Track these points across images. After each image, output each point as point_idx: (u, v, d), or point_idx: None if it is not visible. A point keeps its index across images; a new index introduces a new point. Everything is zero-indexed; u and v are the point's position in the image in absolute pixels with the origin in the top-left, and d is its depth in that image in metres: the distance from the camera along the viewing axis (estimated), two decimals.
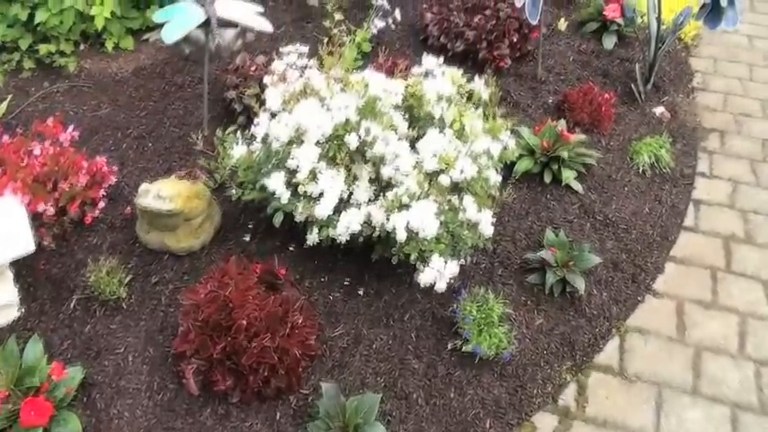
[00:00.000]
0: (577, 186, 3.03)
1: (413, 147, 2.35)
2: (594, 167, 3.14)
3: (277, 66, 2.42)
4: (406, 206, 2.23)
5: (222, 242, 2.71)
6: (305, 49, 2.55)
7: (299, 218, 2.39)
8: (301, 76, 2.47)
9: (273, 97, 2.35)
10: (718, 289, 2.73)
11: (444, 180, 2.26)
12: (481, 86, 2.53)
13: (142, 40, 3.82)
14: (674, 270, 2.80)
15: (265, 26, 2.98)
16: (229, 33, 3.69)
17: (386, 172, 2.29)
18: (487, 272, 2.67)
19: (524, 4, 3.26)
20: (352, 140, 2.30)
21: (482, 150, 2.33)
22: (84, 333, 2.38)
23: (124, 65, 3.71)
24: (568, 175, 3.00)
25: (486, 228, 2.29)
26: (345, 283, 2.58)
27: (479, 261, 2.70)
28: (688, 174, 3.27)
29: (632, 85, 3.58)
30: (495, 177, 2.44)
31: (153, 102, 3.44)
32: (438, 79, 2.48)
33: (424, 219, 2.19)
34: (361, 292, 2.55)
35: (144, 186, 2.54)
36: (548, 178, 3.02)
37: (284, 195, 2.33)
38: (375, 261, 2.47)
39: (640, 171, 3.20)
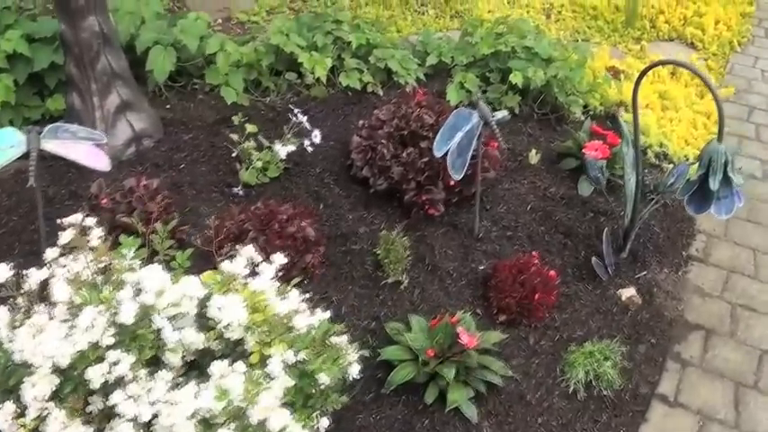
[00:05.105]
0: (471, 412, 2.27)
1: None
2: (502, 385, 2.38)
3: (33, 276, 1.85)
4: None
5: None
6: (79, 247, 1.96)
7: None
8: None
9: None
10: None
11: None
12: (302, 311, 1.85)
13: None
14: None
15: (101, 165, 2.44)
16: (120, 138, 3.22)
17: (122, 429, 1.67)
18: None
19: (448, 152, 2.54)
20: (95, 376, 1.69)
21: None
22: None
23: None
24: (457, 398, 2.26)
25: None
26: None
27: None
28: (643, 395, 2.45)
29: (594, 258, 2.77)
30: None
31: (16, 217, 2.94)
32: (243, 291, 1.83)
33: None
34: None
35: None
36: (431, 396, 2.28)
37: None
38: None
39: (570, 391, 2.41)
